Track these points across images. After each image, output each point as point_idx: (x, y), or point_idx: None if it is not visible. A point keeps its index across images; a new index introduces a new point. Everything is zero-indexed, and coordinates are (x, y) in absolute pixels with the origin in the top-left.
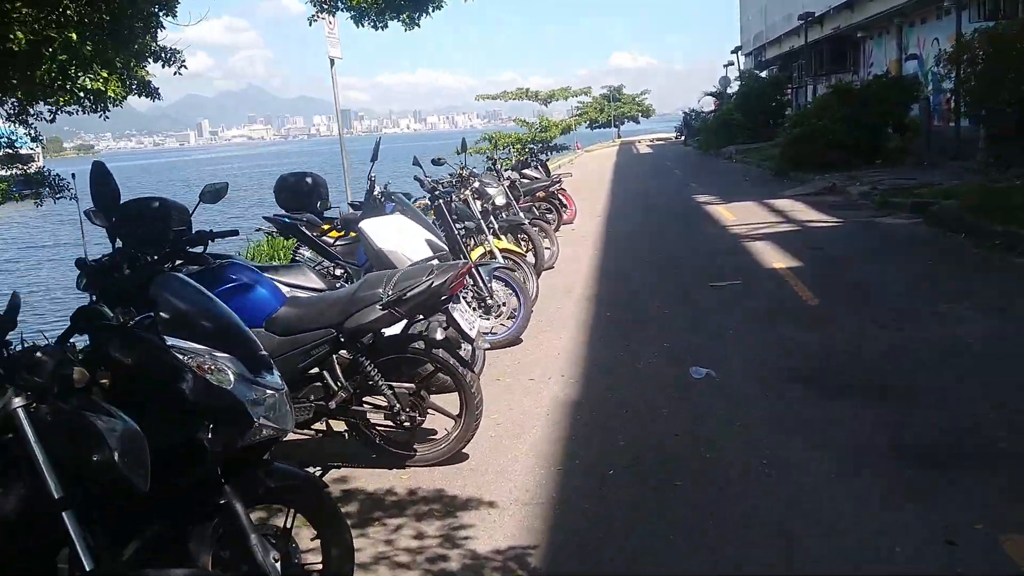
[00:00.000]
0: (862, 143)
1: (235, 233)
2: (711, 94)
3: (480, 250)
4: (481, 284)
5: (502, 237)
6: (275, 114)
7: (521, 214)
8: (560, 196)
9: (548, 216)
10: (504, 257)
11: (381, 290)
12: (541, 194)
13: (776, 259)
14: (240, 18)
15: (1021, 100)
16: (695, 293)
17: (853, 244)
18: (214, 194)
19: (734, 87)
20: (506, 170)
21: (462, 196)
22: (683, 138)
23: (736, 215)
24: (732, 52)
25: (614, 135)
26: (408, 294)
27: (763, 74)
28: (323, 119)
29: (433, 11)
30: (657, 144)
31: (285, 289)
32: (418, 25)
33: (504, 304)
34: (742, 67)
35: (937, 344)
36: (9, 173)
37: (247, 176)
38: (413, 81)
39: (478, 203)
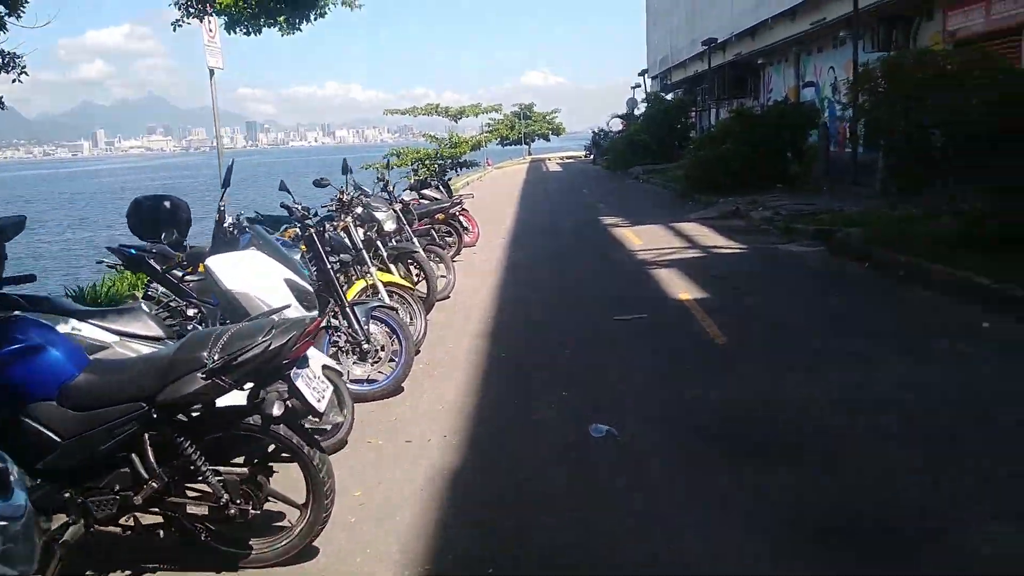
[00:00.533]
0: (763, 167)
1: (30, 279)
2: (619, 115)
3: (361, 285)
4: (356, 327)
5: (392, 267)
6: (176, 124)
7: (414, 240)
8: (462, 218)
9: (448, 240)
10: (389, 291)
11: (205, 353)
12: (440, 216)
13: (682, 289)
14: (143, 25)
15: (919, 128)
16: (599, 327)
17: (759, 274)
18: (9, 229)
19: (641, 108)
20: (405, 190)
21: (341, 224)
22: (592, 157)
23: (643, 239)
24: (639, 75)
25: (525, 153)
26: (239, 358)
27: (669, 97)
28: (227, 130)
29: (315, 18)
30: (567, 162)
31: (110, 339)
32: (299, 30)
33: (383, 348)
34: (649, 89)
35: (854, 391)
36: None
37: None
38: (323, 94)
39: (361, 230)
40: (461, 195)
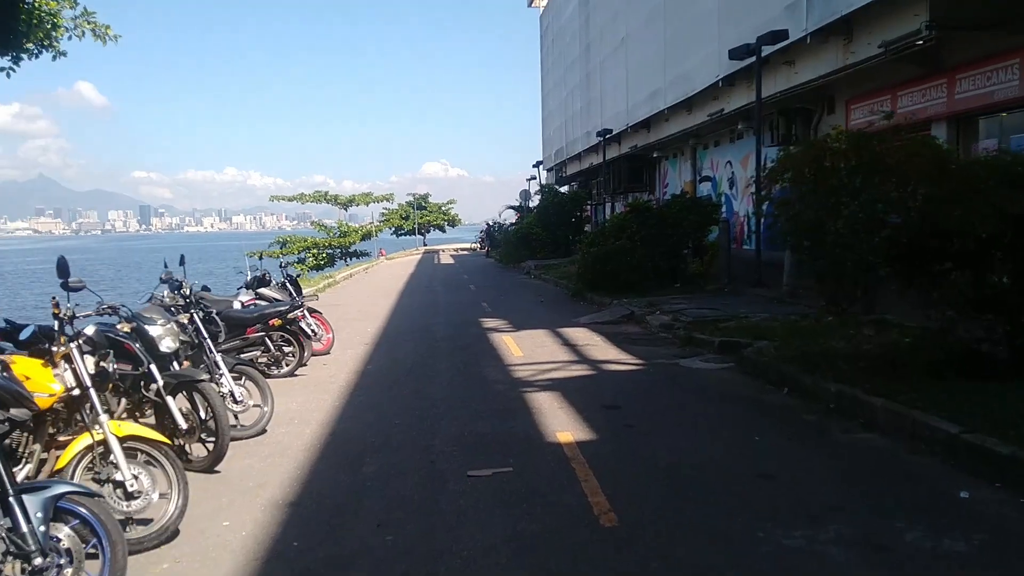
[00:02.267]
0: (660, 265)
1: None
2: (512, 207)
3: (85, 440)
4: (24, 529)
5: (169, 401)
6: (67, 207)
7: (219, 359)
8: (312, 321)
9: (286, 350)
10: (131, 449)
11: None
12: (275, 322)
13: (563, 424)
14: (33, 105)
15: (853, 228)
16: (444, 488)
17: (658, 401)
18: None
19: (535, 200)
20: (240, 288)
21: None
22: (485, 250)
23: (524, 349)
24: (534, 166)
25: (419, 243)
26: None
27: (563, 189)
28: (119, 214)
29: (41, 52)
30: (461, 254)
31: None
32: (14, 70)
33: (65, 566)
34: (543, 181)
35: None
36: None
37: None
38: (221, 179)
39: (91, 360)
40: (313, 293)
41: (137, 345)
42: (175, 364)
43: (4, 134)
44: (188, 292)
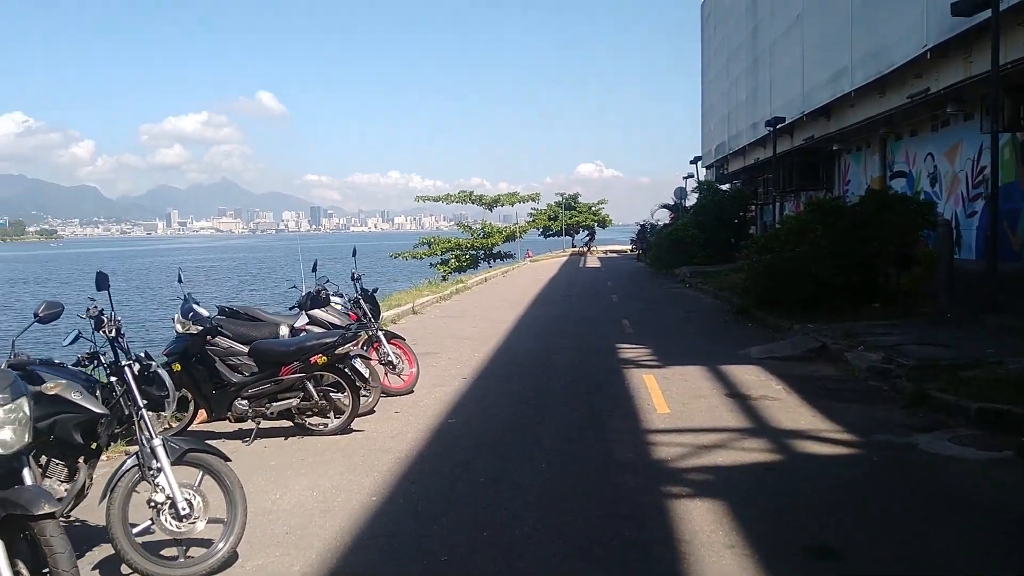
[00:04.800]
0: (852, 279)
1: None
2: (667, 206)
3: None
4: None
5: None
6: (245, 208)
7: (154, 443)
8: (392, 349)
9: (333, 396)
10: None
11: None
12: (319, 359)
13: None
14: (220, 114)
15: None
16: None
17: (901, 535)
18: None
19: (692, 199)
20: (292, 308)
21: None
22: (638, 252)
23: (672, 400)
24: (692, 162)
25: (569, 243)
26: None
27: (725, 187)
28: (292, 215)
29: None
30: (610, 256)
31: None
32: None
33: None
34: (702, 179)
35: None
36: None
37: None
38: (384, 182)
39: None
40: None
41: None
42: (29, 474)
43: (194, 140)
44: (113, 330)
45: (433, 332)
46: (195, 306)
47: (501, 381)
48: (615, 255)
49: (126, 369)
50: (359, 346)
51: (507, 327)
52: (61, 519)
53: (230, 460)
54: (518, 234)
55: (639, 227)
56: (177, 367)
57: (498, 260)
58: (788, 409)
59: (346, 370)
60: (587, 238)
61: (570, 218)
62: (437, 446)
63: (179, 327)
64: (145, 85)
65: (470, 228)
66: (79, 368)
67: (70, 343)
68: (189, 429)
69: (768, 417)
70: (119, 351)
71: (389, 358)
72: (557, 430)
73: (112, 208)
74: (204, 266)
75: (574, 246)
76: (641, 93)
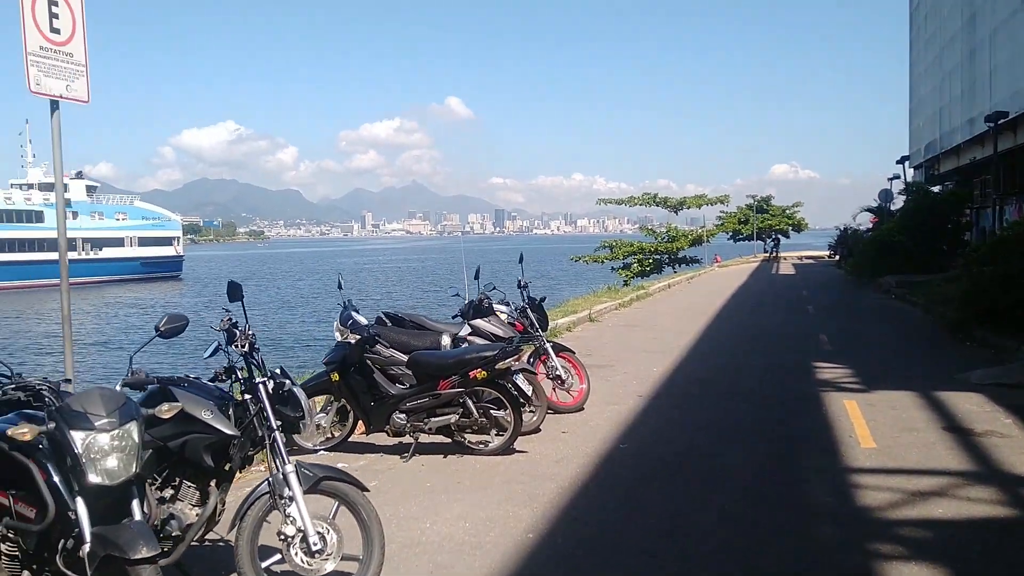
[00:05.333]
0: None
1: None
2: (869, 209)
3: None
4: None
5: None
6: (433, 210)
7: (286, 469)
8: (561, 363)
9: (494, 414)
10: None
11: None
12: (478, 373)
13: None
14: (411, 120)
15: None
16: None
17: None
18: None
19: (899, 202)
20: (455, 317)
21: None
22: (837, 258)
23: (878, 432)
24: (898, 162)
25: (761, 248)
26: None
27: (935, 189)
28: (477, 217)
29: None
30: (805, 263)
31: None
32: None
33: None
34: (909, 180)
35: None
36: None
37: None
38: (568, 185)
39: None
40: (542, 335)
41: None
42: (138, 507)
43: (387, 146)
44: (246, 344)
45: (609, 342)
46: (354, 314)
47: (680, 401)
48: (811, 261)
49: (260, 387)
50: (523, 360)
51: (690, 339)
52: (194, 542)
53: (368, 490)
54: (705, 238)
55: (838, 232)
56: (335, 377)
57: (683, 265)
58: (1019, 449)
59: (508, 386)
60: (772, 244)
61: (762, 221)
62: (605, 475)
63: (338, 335)
64: (344, 94)
65: (654, 232)
66: (216, 383)
67: (210, 355)
68: (349, 440)
69: (998, 459)
70: (253, 367)
71: (557, 372)
72: (742, 463)
73: (313, 211)
74: (391, 267)
75: (765, 251)
76: (841, 90)
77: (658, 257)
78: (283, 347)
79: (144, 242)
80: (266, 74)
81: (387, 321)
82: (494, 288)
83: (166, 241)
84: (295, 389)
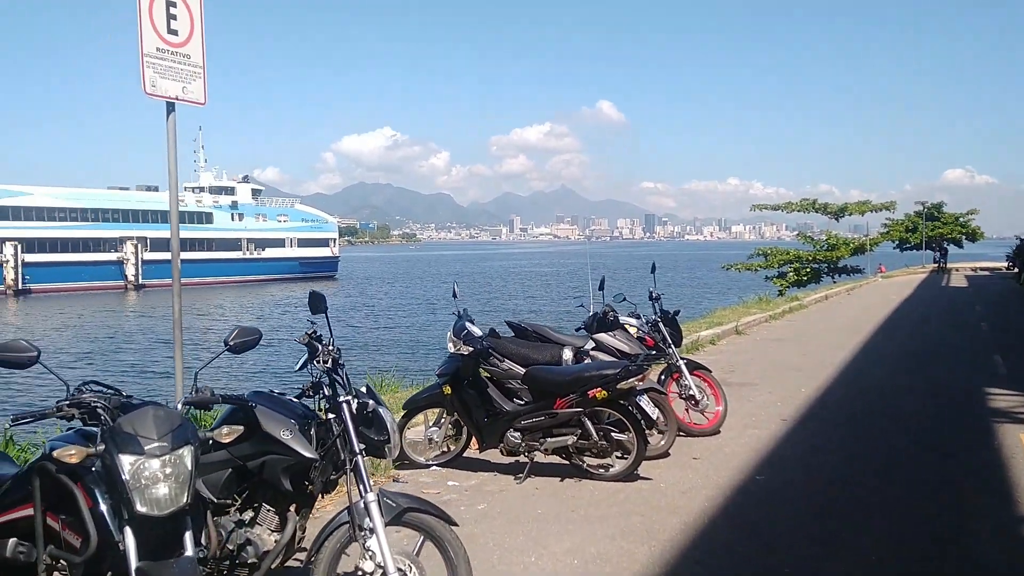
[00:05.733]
0: None
1: None
2: None
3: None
4: None
5: None
6: (581, 215)
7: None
8: (695, 382)
9: (615, 437)
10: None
11: None
12: (597, 392)
13: None
14: (561, 124)
15: None
16: None
17: None
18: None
19: None
20: (579, 329)
21: None
22: (1016, 271)
23: None
24: None
25: (929, 259)
26: None
27: None
28: (626, 222)
29: None
30: (979, 275)
31: None
32: None
33: None
34: None
35: None
36: None
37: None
38: (722, 189)
39: None
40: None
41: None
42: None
43: (537, 150)
44: (329, 360)
45: (755, 358)
46: (468, 324)
47: (830, 427)
48: (987, 273)
49: (343, 406)
50: (652, 378)
51: (845, 356)
52: (272, 569)
53: (456, 524)
54: (868, 247)
55: (1019, 241)
56: (447, 390)
57: (843, 275)
58: None
59: (630, 408)
60: (938, 255)
61: (931, 230)
62: (737, 511)
63: (451, 346)
64: (497, 100)
65: (812, 239)
66: (301, 401)
67: (300, 368)
68: (464, 455)
69: None
70: (337, 384)
71: (691, 392)
72: (897, 508)
73: (463, 214)
74: (533, 272)
75: (935, 262)
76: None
77: (816, 266)
78: (426, 348)
79: (303, 243)
80: (422, 82)
81: (510, 331)
82: (624, 299)
83: (323, 242)
84: (381, 410)
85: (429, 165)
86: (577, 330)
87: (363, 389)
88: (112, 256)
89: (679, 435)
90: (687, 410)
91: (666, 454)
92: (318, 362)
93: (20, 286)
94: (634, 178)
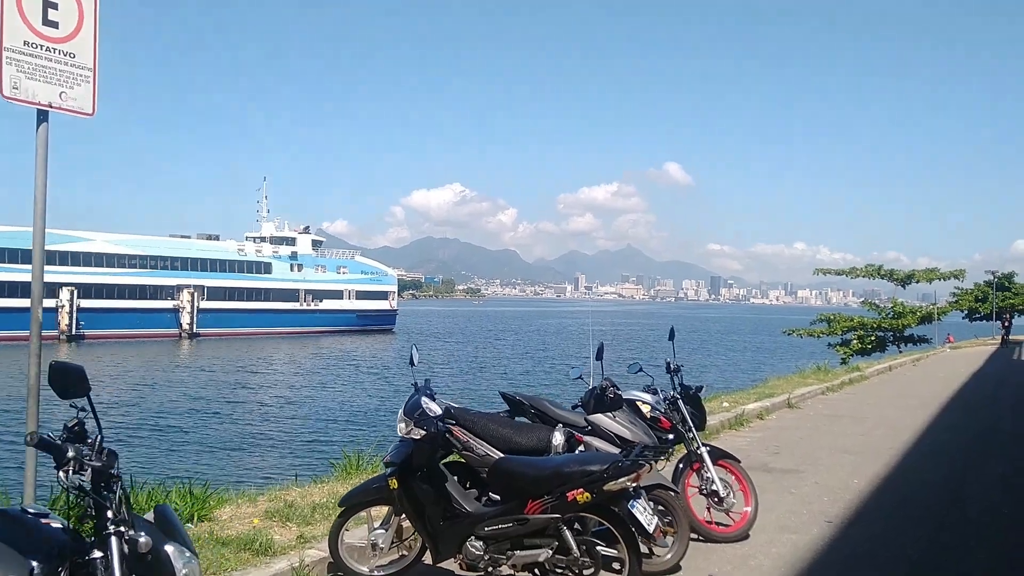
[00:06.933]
0: None
1: None
2: None
3: None
4: None
5: None
6: (647, 275)
7: None
8: (719, 473)
9: (600, 552)
10: None
11: None
12: (579, 494)
13: None
14: (629, 184)
15: None
16: None
17: None
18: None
19: None
20: (576, 407)
21: None
22: None
23: None
24: None
25: (997, 331)
26: None
27: None
28: (691, 283)
29: None
30: None
31: None
32: None
33: None
34: None
35: None
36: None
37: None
38: (789, 253)
39: None
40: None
41: None
42: None
43: (604, 209)
44: (89, 469)
45: (805, 437)
46: (426, 400)
47: (885, 531)
48: None
49: (111, 541)
50: (657, 471)
51: (906, 439)
52: None
53: None
54: (936, 316)
55: None
56: (393, 483)
57: (910, 344)
58: None
59: (621, 514)
60: (1003, 325)
61: (1002, 300)
62: None
63: (401, 428)
64: (566, 159)
65: (878, 307)
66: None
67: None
68: (421, 563)
69: None
70: (106, 508)
71: (714, 486)
72: None
73: (528, 271)
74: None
75: (1008, 335)
76: None
77: (881, 334)
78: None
79: (361, 295)
80: (493, 138)
81: (505, 403)
82: (640, 369)
83: (382, 295)
84: (169, 549)
85: (496, 221)
86: (574, 407)
87: (148, 516)
88: (168, 304)
89: (697, 539)
90: (708, 508)
91: (676, 567)
92: (67, 472)
93: (73, 331)
94: (700, 239)
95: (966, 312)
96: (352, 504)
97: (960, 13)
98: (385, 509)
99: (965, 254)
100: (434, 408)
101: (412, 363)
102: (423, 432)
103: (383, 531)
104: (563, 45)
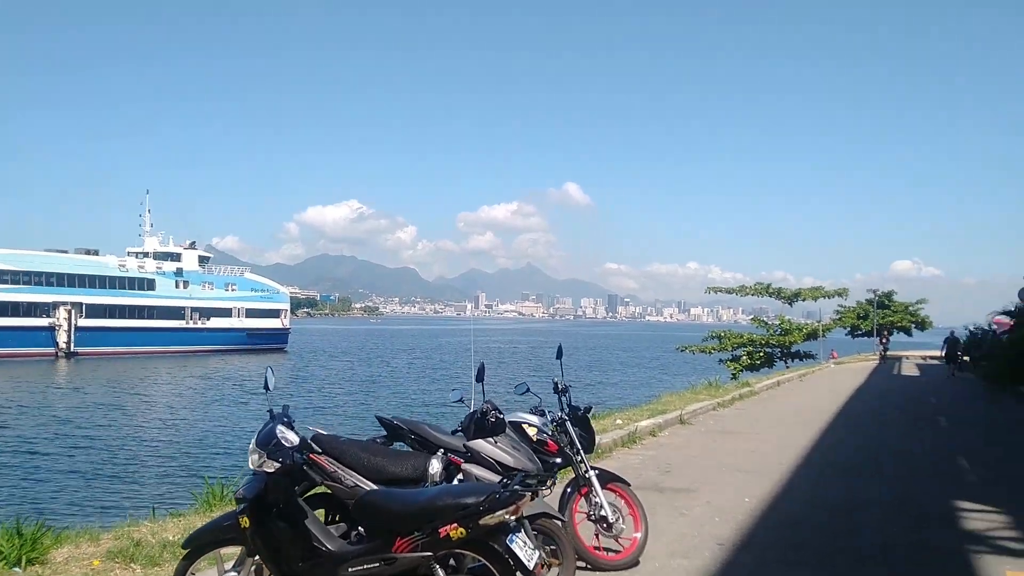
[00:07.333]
0: None
1: None
2: (1006, 312)
3: None
4: None
5: None
6: (547, 293)
7: None
8: (610, 499)
9: None
10: None
11: None
12: (452, 529)
13: None
14: (529, 204)
15: None
16: None
17: None
18: None
19: None
20: (455, 432)
21: None
22: (949, 362)
23: None
24: None
25: (875, 346)
26: None
27: None
28: (590, 301)
29: None
30: (930, 364)
31: None
32: None
33: None
34: None
35: None
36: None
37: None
38: (682, 273)
39: None
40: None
41: None
42: None
43: (504, 228)
44: None
45: (697, 455)
46: (281, 429)
47: (775, 556)
48: (936, 362)
49: None
50: (561, 493)
51: (794, 455)
52: None
53: None
54: (821, 332)
55: (951, 333)
56: (244, 521)
57: (796, 360)
58: None
59: (500, 550)
60: (880, 341)
61: (882, 317)
62: None
63: (253, 459)
64: (466, 178)
65: (766, 324)
66: None
67: None
68: None
69: None
70: None
71: (602, 511)
72: None
73: (428, 289)
74: (497, 347)
75: (885, 350)
76: (965, 185)
77: (770, 350)
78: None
79: (251, 313)
80: (391, 155)
81: (383, 429)
82: (527, 390)
83: (273, 313)
84: None
85: (395, 239)
86: (454, 432)
87: None
88: (43, 321)
89: (585, 569)
90: (597, 535)
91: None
92: None
93: None
94: (598, 259)
95: (848, 329)
96: (198, 545)
97: (840, 30)
98: (239, 549)
99: (848, 274)
100: (291, 438)
101: (267, 388)
102: (277, 464)
103: (235, 574)
104: (460, 65)
